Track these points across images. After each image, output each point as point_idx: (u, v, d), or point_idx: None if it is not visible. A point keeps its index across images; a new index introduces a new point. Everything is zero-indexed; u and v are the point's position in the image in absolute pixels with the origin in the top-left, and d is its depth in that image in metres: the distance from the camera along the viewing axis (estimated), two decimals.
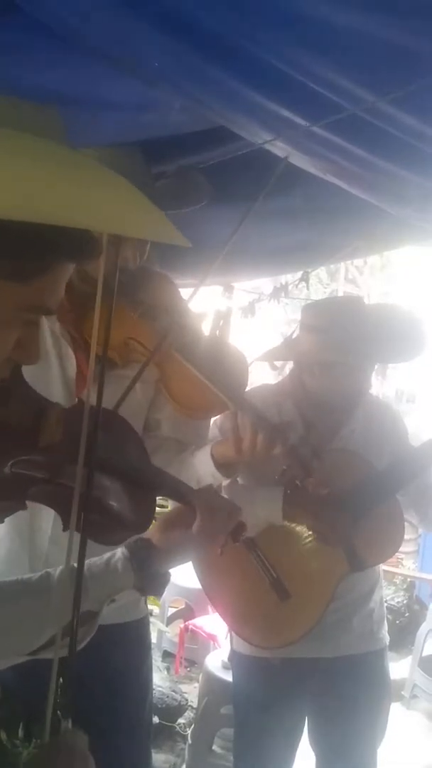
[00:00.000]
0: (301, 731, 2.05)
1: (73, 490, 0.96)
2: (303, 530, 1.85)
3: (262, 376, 2.17)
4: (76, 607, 0.98)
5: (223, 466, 1.60)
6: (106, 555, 1.14)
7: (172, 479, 1.22)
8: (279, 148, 1.47)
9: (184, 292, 1.79)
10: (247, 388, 1.71)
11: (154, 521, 1.20)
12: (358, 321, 1.84)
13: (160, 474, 1.21)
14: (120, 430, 1.14)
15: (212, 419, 1.79)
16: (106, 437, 1.01)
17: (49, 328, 1.59)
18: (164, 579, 1.19)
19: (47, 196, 0.67)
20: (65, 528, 1.02)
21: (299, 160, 1.55)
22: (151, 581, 1.16)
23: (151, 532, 1.18)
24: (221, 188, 1.88)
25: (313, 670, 1.93)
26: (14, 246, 0.72)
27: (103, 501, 1.03)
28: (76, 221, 0.69)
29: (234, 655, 2.06)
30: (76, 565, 1.09)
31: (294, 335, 1.99)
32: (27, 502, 1.03)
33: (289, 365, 2.05)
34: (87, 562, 1.10)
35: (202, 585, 1.93)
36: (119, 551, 1.15)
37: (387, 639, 2.06)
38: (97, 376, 1.08)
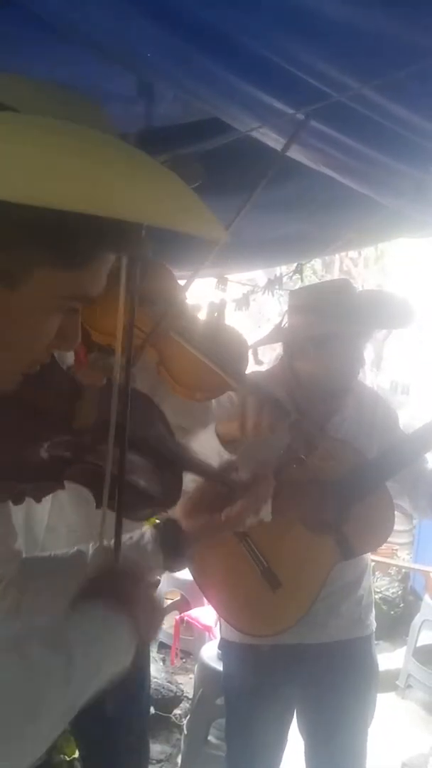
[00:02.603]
0: (291, 717, 2.07)
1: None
2: (294, 519, 1.85)
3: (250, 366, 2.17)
4: None
5: (229, 443, 1.62)
6: (136, 535, 1.17)
7: (199, 459, 1.23)
8: (270, 138, 1.47)
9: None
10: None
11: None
12: (346, 295, 1.86)
13: (187, 451, 1.22)
14: (146, 407, 1.15)
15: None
16: (134, 415, 1.03)
17: None
18: (190, 560, 1.26)
19: (98, 186, 0.68)
20: (98, 506, 1.03)
21: (292, 151, 1.54)
22: (178, 564, 1.20)
23: (179, 514, 1.20)
24: (213, 179, 1.87)
25: (302, 657, 1.94)
26: (64, 236, 0.74)
27: (131, 477, 1.05)
28: (128, 214, 0.70)
29: (223, 643, 2.07)
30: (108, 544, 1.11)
31: (283, 323, 1.99)
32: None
33: (276, 357, 2.05)
34: None
35: (192, 575, 1.93)
36: (148, 532, 1.17)
37: (374, 625, 2.08)
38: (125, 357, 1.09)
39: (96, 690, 0.87)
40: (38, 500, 1.05)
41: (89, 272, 0.81)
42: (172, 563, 1.18)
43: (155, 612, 1.01)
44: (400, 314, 1.88)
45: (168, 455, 1.12)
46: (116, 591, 0.94)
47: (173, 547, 1.16)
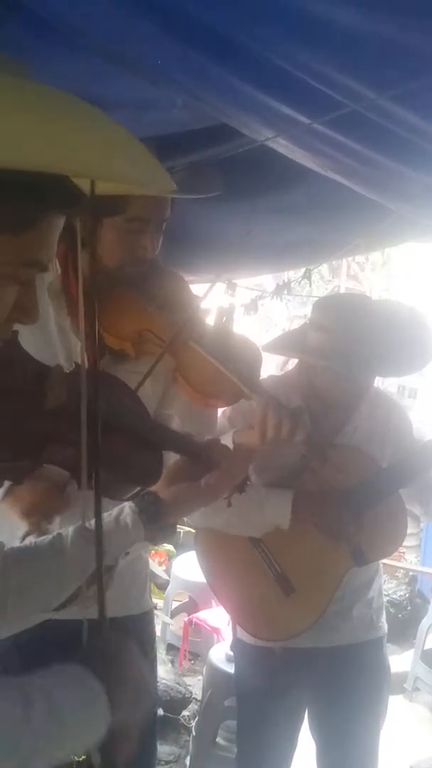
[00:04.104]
0: (302, 719, 2.08)
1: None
2: (308, 526, 1.86)
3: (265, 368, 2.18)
4: (100, 561, 0.99)
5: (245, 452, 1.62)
6: (114, 511, 1.17)
7: (176, 434, 1.25)
8: (279, 145, 1.48)
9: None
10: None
11: None
12: (364, 335, 1.80)
13: (164, 429, 1.24)
14: (116, 387, 1.17)
15: (220, 412, 1.82)
16: (104, 395, 1.03)
17: (57, 323, 1.61)
18: (173, 530, 1.23)
19: (28, 140, 0.66)
20: (80, 487, 1.04)
21: (300, 157, 1.56)
22: (161, 533, 1.20)
23: (158, 485, 1.20)
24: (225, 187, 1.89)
25: (314, 659, 1.95)
26: (4, 197, 0.73)
27: (108, 457, 1.04)
28: (60, 168, 0.68)
29: (237, 644, 2.08)
30: (86, 524, 1.11)
31: (297, 335, 1.99)
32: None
33: (290, 362, 2.06)
34: None
35: (207, 579, 1.94)
36: (127, 507, 1.17)
37: (385, 627, 2.08)
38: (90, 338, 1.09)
39: (60, 753, 0.85)
40: (19, 482, 1.05)
41: (36, 235, 0.79)
42: (153, 534, 1.18)
43: (138, 689, 0.99)
44: (414, 366, 1.87)
45: (146, 434, 1.14)
46: (102, 656, 0.93)
47: (153, 517, 1.16)
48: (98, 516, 0.98)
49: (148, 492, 1.19)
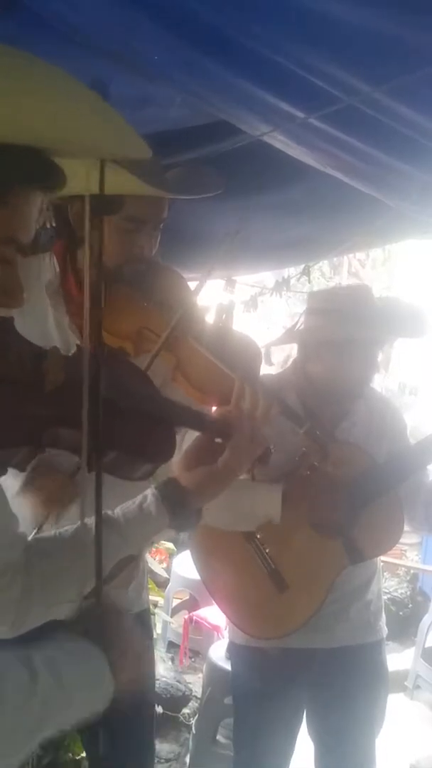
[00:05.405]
0: (300, 721, 2.06)
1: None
2: (302, 521, 1.86)
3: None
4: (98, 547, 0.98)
5: None
6: (138, 499, 1.16)
7: (186, 408, 1.23)
8: (278, 141, 1.48)
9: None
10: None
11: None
12: (365, 301, 1.87)
13: (173, 404, 1.21)
14: (121, 364, 1.16)
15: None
16: (110, 374, 1.01)
17: (55, 319, 1.61)
18: (198, 516, 1.21)
19: (8, 111, 0.65)
20: (90, 470, 1.03)
21: (299, 153, 1.56)
22: (186, 520, 1.18)
23: (177, 471, 1.19)
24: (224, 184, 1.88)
25: (310, 661, 1.93)
26: None
27: (118, 437, 1.04)
28: (18, 137, 0.68)
29: (231, 646, 2.07)
30: (109, 512, 1.11)
31: (297, 326, 1.99)
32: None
33: (290, 360, 2.06)
34: (120, 508, 1.13)
35: (200, 575, 1.93)
36: (149, 494, 1.16)
37: (385, 631, 2.06)
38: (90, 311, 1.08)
39: (67, 720, 0.86)
40: (22, 468, 1.04)
41: (11, 210, 0.78)
42: (178, 522, 1.17)
43: (138, 658, 0.99)
44: (418, 324, 1.89)
45: (155, 411, 1.12)
46: (101, 631, 0.94)
47: (177, 504, 1.15)
48: (98, 495, 0.97)
49: (170, 479, 1.19)
